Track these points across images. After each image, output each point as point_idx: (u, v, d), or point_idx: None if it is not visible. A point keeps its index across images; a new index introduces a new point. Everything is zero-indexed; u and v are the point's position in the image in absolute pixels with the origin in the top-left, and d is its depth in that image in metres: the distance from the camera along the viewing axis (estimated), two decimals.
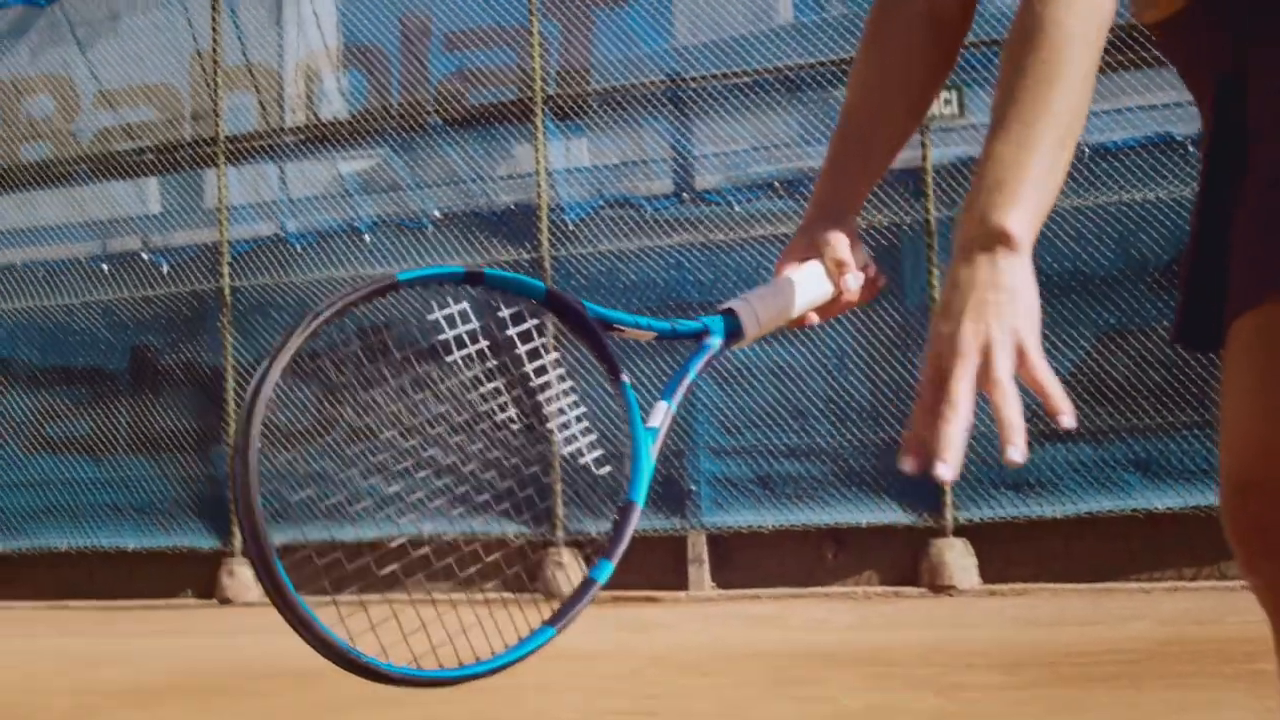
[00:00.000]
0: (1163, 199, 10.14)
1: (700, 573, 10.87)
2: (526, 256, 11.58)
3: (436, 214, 12.01)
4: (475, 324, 1.80)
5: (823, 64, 11.04)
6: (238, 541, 11.93)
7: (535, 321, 1.85)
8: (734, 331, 1.89)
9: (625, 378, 1.82)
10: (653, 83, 11.59)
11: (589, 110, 11.67)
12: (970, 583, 10.17)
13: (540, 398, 1.88)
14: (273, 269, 12.37)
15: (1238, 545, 2.09)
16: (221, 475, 12.16)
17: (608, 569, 1.72)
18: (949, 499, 10.19)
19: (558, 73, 11.68)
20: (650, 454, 1.78)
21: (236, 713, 6.78)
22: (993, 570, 10.23)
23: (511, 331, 1.85)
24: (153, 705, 7.08)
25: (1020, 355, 1.55)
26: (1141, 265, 10.18)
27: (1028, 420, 1.46)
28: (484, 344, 1.83)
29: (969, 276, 1.58)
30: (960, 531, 10.25)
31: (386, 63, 12.42)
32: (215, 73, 12.58)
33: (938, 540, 10.23)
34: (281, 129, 12.75)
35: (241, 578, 11.98)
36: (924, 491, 10.32)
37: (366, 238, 12.17)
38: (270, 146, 12.66)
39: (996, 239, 1.59)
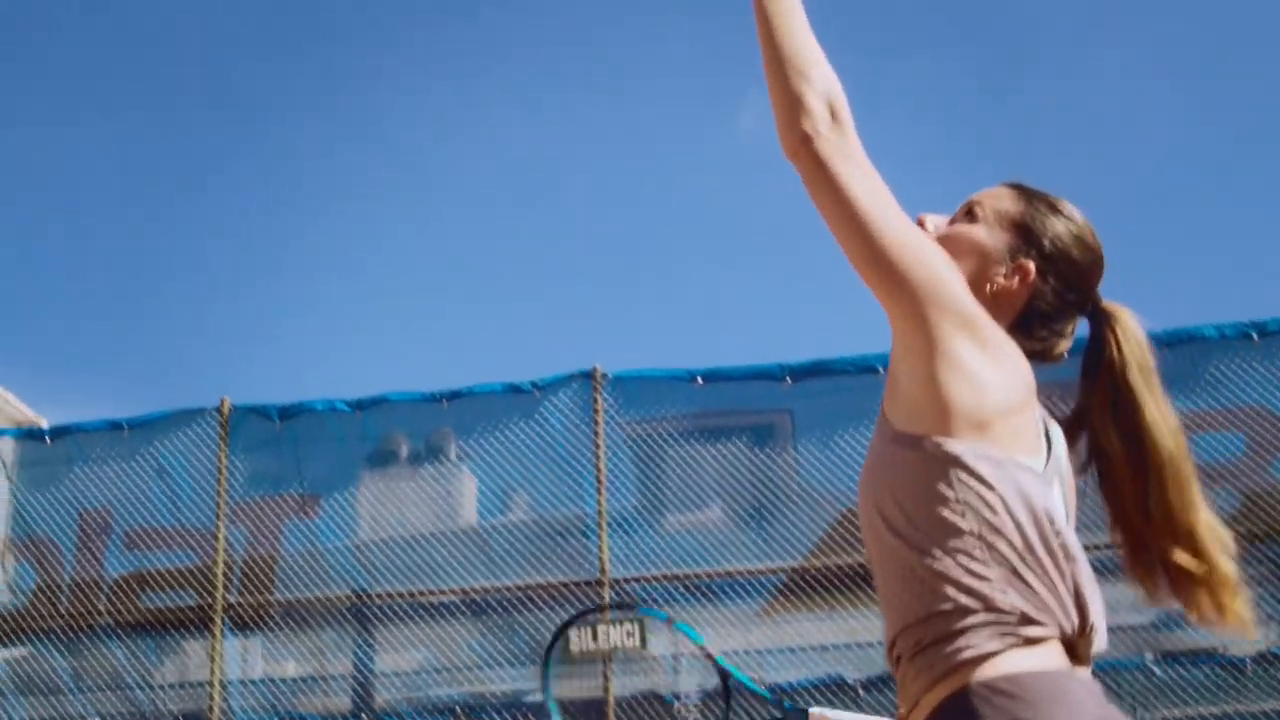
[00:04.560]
0: None
1: None
2: None
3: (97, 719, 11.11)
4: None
5: (508, 588, 10.89)
6: None
7: None
8: None
9: None
10: (337, 597, 11.20)
11: (270, 620, 11.16)
12: None
13: None
14: None
15: None
16: None
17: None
18: None
19: (240, 579, 11.20)
20: None
21: None
22: None
23: None
24: None
25: None
26: None
27: None
28: None
29: None
30: None
31: (59, 556, 11.76)
32: None
33: None
34: None
35: None
36: None
37: None
38: None
39: None
